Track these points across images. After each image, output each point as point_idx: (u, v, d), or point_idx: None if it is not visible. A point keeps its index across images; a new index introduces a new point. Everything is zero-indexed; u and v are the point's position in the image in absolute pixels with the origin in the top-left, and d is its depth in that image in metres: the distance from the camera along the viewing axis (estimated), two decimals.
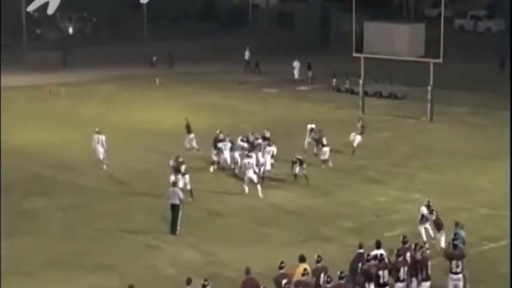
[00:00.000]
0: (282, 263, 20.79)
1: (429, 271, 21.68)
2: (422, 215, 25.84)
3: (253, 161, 32.29)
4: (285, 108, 47.96)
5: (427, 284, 21.64)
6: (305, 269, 20.80)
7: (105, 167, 35.45)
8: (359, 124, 37.99)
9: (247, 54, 62.67)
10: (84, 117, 42.31)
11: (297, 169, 32.90)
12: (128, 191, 32.37)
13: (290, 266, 20.97)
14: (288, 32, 75.08)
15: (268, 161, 33.87)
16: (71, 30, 78.59)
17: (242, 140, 35.00)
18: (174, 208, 27.72)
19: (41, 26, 75.83)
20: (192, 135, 37.86)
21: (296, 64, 57.98)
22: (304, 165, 32.89)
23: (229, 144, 34.62)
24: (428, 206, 25.91)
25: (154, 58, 63.33)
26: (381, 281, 21.26)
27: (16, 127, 42.73)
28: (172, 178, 30.60)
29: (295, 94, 53.52)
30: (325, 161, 35.43)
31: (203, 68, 62.17)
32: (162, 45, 66.26)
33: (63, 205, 30.74)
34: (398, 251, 21.95)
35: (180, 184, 30.14)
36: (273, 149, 34.24)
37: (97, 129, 36.26)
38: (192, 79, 58.15)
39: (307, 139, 37.25)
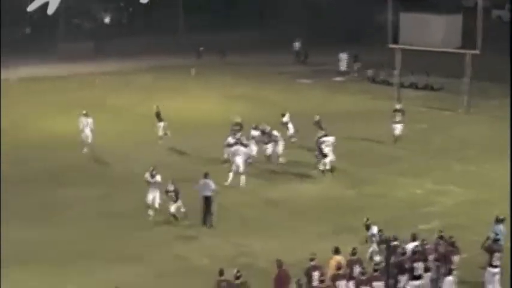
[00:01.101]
0: (312, 255, 20.69)
1: (452, 266, 21.46)
2: (373, 235, 23.29)
3: (244, 150, 32.10)
4: (319, 99, 47.74)
5: (450, 278, 21.42)
6: (339, 262, 20.69)
7: (85, 149, 35.94)
8: (398, 111, 37.75)
9: (296, 45, 62.59)
10: (118, 108, 42.36)
11: (322, 163, 32.61)
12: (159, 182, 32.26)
13: (322, 258, 20.88)
14: (323, 22, 74.60)
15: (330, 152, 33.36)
16: (107, 20, 78.87)
17: (254, 129, 34.88)
18: (207, 200, 27.55)
19: (77, 16, 76.12)
20: (162, 123, 37.52)
21: (343, 56, 57.53)
22: (327, 159, 32.56)
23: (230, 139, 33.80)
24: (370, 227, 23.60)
25: (201, 48, 63.25)
26: (416, 273, 21.10)
27: (49, 117, 42.87)
28: (150, 198, 28.04)
29: (331, 85, 53.26)
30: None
31: (238, 58, 62.02)
32: (197, 36, 66.18)
33: (93, 195, 30.76)
34: (423, 240, 21.85)
35: (173, 209, 27.76)
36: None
37: (84, 112, 36.68)
38: (228, 70, 58.05)
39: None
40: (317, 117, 36.45)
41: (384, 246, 22.43)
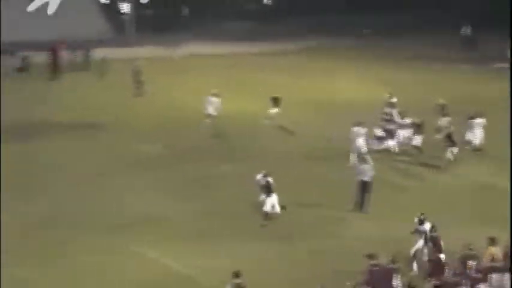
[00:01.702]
0: (469, 244, 20.18)
1: None
2: (424, 231, 22.47)
3: (364, 131, 32.16)
4: (475, 85, 46.29)
5: None
6: (494, 253, 20.10)
7: (207, 120, 36.47)
8: None
9: (465, 30, 61.09)
10: (270, 87, 42.38)
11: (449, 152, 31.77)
12: (313, 164, 32.18)
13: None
14: (484, 6, 72.19)
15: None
16: (267, 1, 79.24)
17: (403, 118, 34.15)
18: (365, 185, 27.31)
19: None
20: (276, 110, 36.88)
21: None
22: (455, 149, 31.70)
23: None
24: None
25: (365, 30, 62.65)
26: None
27: (195, 93, 42.93)
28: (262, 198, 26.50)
29: (491, 72, 51.60)
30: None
31: (397, 41, 60.94)
32: (357, 17, 65.50)
33: (245, 172, 30.27)
34: None
35: (267, 207, 26.14)
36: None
37: (213, 91, 37.14)
38: (387, 53, 57.19)
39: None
40: (442, 101, 35.36)
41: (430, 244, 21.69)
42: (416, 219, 22.76)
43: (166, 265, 23.03)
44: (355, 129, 32.37)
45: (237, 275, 19.29)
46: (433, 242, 21.80)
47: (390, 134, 33.70)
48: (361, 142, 31.67)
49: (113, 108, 40.90)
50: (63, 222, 26.09)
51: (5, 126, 36.63)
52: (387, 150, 33.39)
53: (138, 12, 64.15)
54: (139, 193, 28.80)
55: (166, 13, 67.38)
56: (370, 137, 33.33)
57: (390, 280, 19.99)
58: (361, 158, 28.72)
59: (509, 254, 20.42)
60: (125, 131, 37.27)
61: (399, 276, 20.28)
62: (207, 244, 24.45)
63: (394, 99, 36.25)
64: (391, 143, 33.55)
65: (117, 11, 63.91)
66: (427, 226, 22.49)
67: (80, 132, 36.80)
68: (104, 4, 64.16)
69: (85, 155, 33.52)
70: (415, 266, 22.17)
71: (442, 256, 21.19)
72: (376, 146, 33.35)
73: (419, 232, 22.57)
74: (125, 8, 62.92)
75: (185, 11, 69.45)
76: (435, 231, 22.04)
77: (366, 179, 27.32)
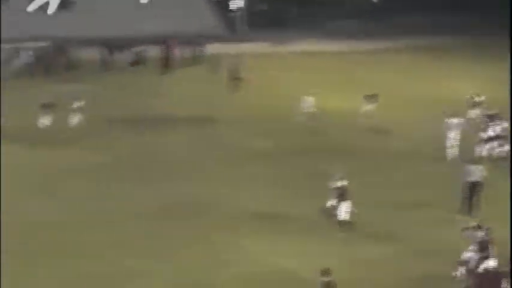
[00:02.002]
0: None
1: None
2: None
3: (457, 122, 31.37)
4: None
5: None
6: None
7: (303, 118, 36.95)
8: None
9: None
10: (372, 85, 42.13)
11: None
12: (412, 162, 31.91)
13: None
14: None
15: None
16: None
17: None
18: (474, 186, 26.62)
19: None
20: (372, 107, 36.69)
21: None
22: None
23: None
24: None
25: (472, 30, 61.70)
26: None
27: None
28: (329, 204, 25.39)
29: None
30: None
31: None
32: (453, 17, 64.48)
33: (347, 170, 29.73)
34: None
35: (343, 214, 24.96)
36: None
37: (310, 91, 37.23)
38: (498, 52, 55.95)
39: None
40: None
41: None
42: (474, 225, 22.04)
43: (272, 260, 23.27)
44: (449, 120, 31.75)
45: (326, 272, 18.95)
46: (482, 246, 20.97)
47: (501, 138, 32.41)
48: (453, 135, 30.95)
49: (222, 103, 41.56)
50: (172, 214, 26.61)
51: (118, 120, 38.03)
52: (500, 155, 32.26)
53: (251, 8, 64.72)
54: (247, 187, 29.20)
55: (277, 10, 67.75)
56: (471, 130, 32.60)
57: (499, 284, 19.65)
58: (469, 158, 27.90)
59: None
60: (233, 125, 37.93)
61: (508, 279, 19.85)
62: (313, 241, 24.54)
63: (480, 98, 35.32)
64: (506, 148, 32.13)
65: (228, 7, 64.68)
66: (481, 233, 21.66)
67: (190, 127, 37.56)
68: (216, 0, 64.96)
69: (195, 148, 34.18)
70: (461, 271, 21.29)
71: (492, 263, 20.40)
72: (488, 150, 31.89)
73: (473, 238, 21.75)
74: (238, 3, 63.54)
75: (295, 9, 69.76)
76: (487, 235, 21.25)
77: (475, 179, 26.64)
